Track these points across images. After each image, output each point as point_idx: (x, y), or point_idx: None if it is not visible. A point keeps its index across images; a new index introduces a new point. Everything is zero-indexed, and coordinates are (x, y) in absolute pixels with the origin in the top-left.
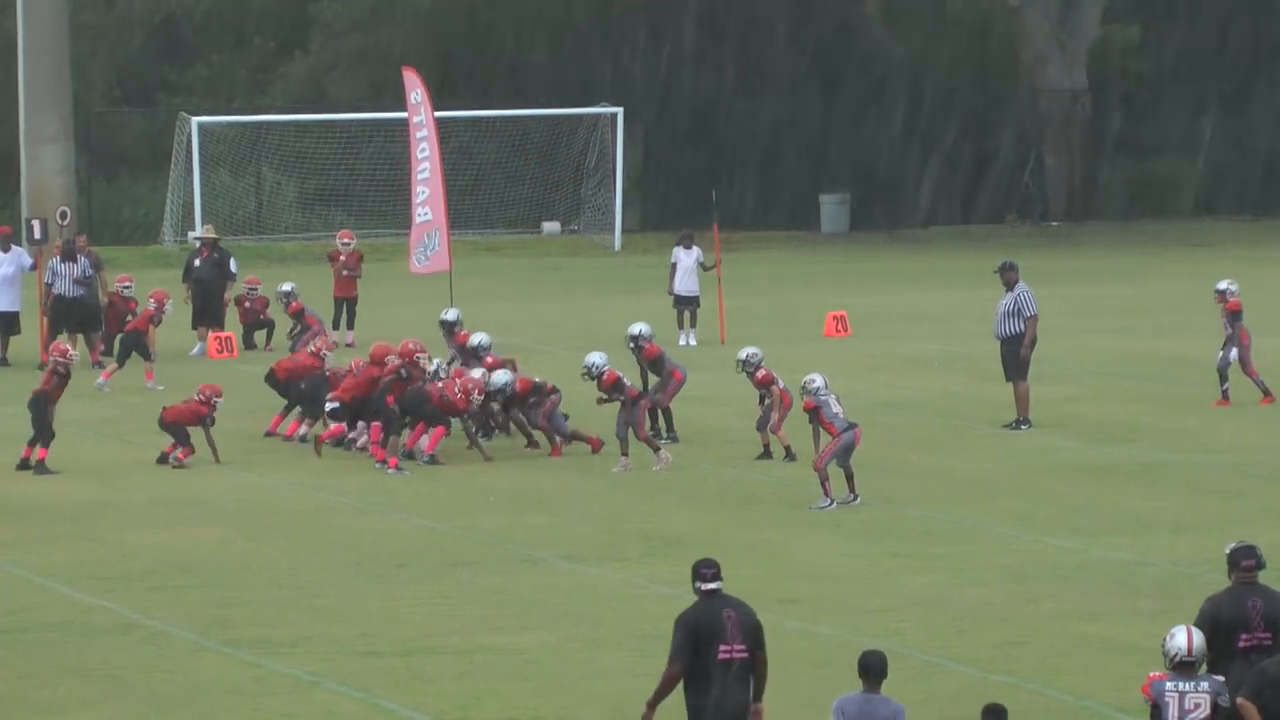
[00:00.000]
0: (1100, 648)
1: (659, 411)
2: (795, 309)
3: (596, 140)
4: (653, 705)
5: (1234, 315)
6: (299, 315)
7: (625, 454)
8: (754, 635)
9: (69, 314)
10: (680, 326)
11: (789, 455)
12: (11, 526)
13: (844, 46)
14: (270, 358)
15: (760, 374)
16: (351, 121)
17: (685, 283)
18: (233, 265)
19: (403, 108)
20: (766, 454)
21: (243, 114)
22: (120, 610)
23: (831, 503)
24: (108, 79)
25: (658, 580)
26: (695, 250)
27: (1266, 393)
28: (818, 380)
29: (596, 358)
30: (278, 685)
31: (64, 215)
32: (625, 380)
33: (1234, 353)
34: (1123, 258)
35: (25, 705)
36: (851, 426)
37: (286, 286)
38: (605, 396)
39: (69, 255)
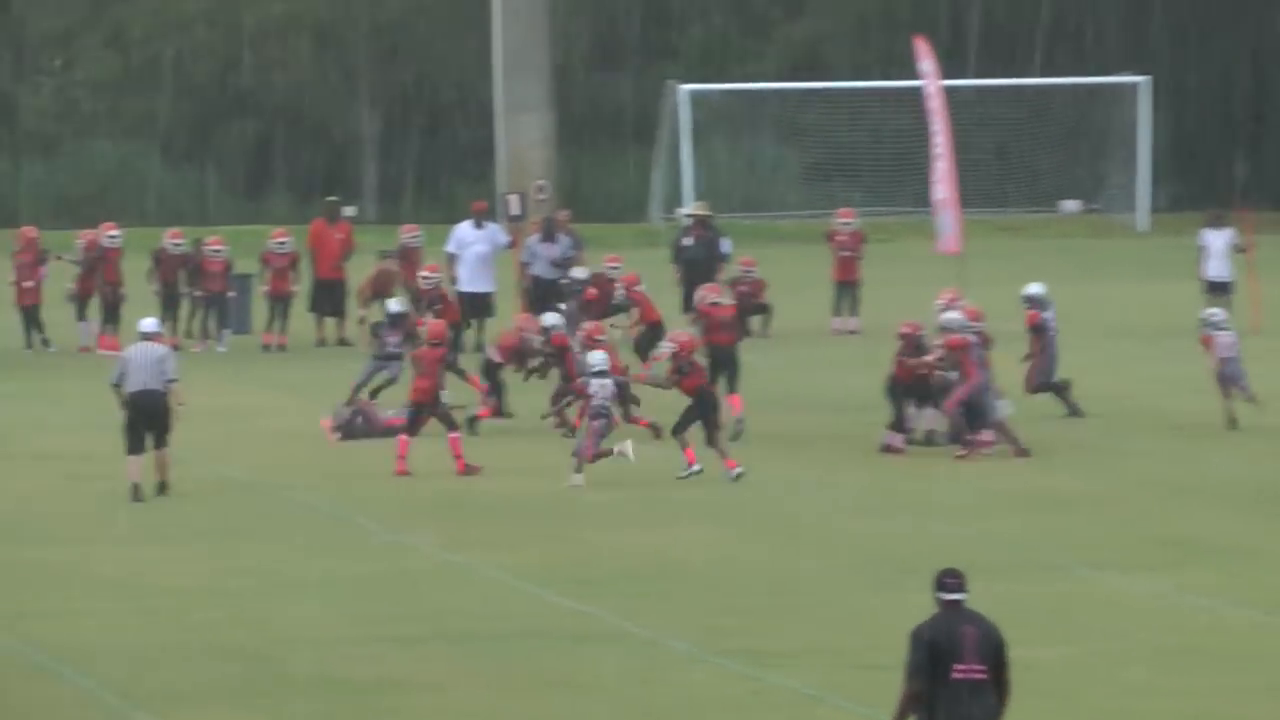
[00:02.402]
0: None
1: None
2: None
3: (1120, 111)
4: None
5: None
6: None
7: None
8: (995, 655)
9: (547, 297)
10: None
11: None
12: (481, 525)
13: None
14: (766, 345)
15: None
16: (854, 90)
17: (1217, 267)
18: (725, 245)
19: (907, 75)
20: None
21: (735, 82)
22: (605, 617)
23: None
24: (590, 42)
25: (1189, 590)
26: (1227, 231)
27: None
28: None
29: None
30: (777, 700)
31: (542, 189)
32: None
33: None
34: None
35: (505, 719)
36: None
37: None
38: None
39: (548, 234)
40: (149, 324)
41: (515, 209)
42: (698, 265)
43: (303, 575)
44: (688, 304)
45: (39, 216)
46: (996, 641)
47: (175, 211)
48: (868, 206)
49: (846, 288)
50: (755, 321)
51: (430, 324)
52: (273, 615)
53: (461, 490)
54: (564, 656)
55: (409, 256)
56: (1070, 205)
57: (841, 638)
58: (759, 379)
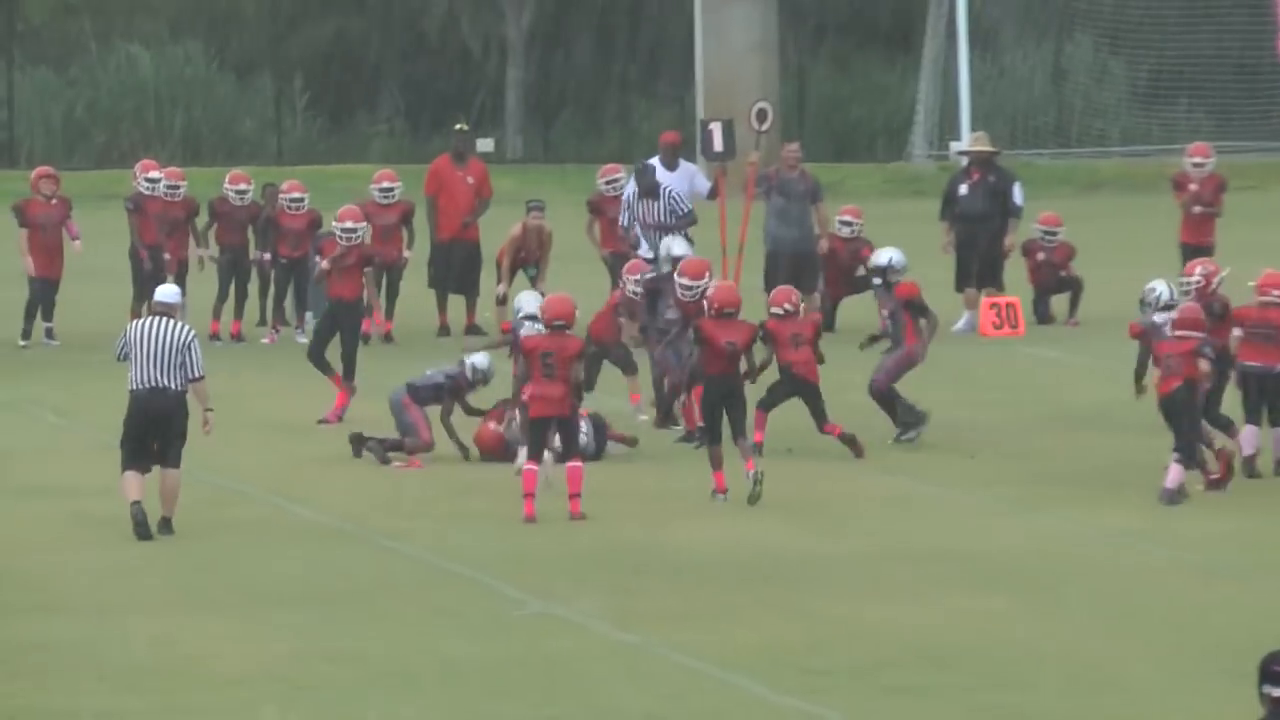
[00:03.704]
0: None
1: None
2: None
3: None
4: None
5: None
6: None
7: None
8: None
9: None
10: None
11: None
12: (666, 590)
13: None
14: (1072, 336)
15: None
16: None
17: None
18: (1017, 194)
19: None
20: None
21: None
22: None
23: None
24: None
25: None
26: None
27: None
28: None
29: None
30: None
31: (762, 115)
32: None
33: None
34: None
35: None
36: None
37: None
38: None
39: (647, 189)
40: (168, 293)
41: (718, 144)
42: (978, 223)
43: (414, 660)
44: (964, 277)
45: (46, 150)
46: None
47: (239, 146)
48: (1226, 140)
49: (1196, 254)
50: (1057, 303)
51: (551, 300)
52: (372, 715)
53: (636, 541)
54: None
55: (604, 209)
56: None
57: None
58: (1059, 384)
